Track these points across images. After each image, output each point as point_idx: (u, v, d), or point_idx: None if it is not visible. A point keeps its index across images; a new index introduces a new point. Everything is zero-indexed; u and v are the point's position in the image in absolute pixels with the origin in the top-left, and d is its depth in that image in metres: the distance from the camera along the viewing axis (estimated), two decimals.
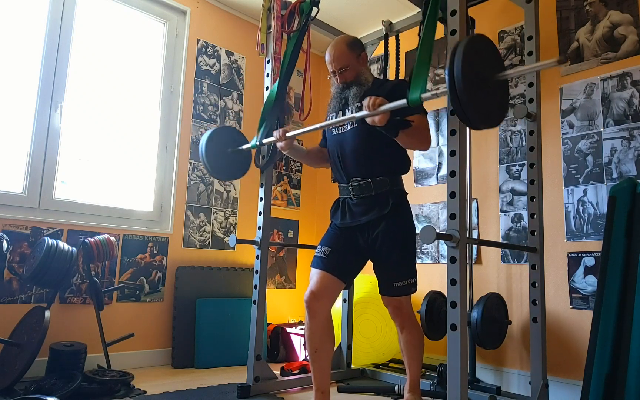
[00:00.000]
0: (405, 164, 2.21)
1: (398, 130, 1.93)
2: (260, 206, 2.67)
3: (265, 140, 2.52)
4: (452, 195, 1.83)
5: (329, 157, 2.34)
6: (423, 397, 2.24)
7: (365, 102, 1.91)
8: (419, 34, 2.20)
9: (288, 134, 2.32)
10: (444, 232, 1.80)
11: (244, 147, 2.67)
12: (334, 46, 2.21)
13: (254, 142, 2.59)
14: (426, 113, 2.08)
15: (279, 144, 2.36)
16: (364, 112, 1.91)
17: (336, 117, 2.23)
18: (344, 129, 2.19)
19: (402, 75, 3.65)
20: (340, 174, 2.20)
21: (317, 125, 2.21)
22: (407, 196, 2.22)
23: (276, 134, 2.35)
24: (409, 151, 2.23)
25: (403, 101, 1.82)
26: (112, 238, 2.84)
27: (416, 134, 1.99)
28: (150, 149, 3.40)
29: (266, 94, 2.75)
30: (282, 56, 2.67)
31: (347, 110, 2.19)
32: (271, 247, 3.90)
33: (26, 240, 2.74)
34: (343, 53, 2.17)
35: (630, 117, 2.55)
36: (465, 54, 1.61)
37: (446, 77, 1.63)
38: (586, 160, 2.69)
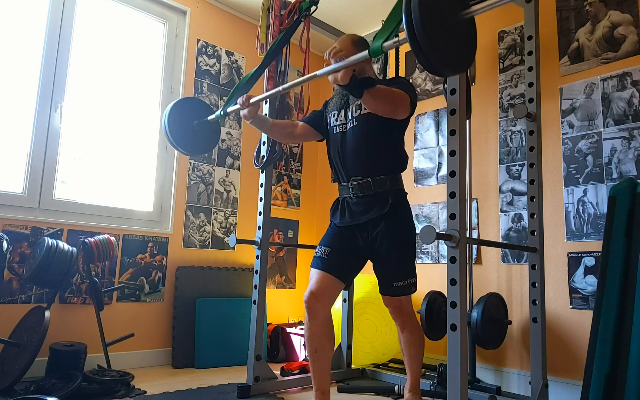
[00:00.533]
0: (403, 160, 2.21)
1: (362, 89, 1.78)
2: (260, 206, 2.67)
3: (229, 109, 2.40)
4: (452, 195, 1.83)
5: (297, 135, 2.36)
6: (423, 397, 2.24)
7: (325, 54, 1.79)
8: None
9: (252, 100, 2.20)
10: (444, 232, 1.80)
11: (210, 117, 2.54)
12: (339, 41, 2.21)
13: (219, 112, 2.48)
14: (409, 91, 2.02)
15: (242, 112, 2.24)
16: (325, 69, 1.75)
17: (337, 116, 2.23)
18: (345, 127, 2.19)
19: (401, 75, 3.66)
20: (340, 173, 2.20)
21: (280, 88, 2.10)
22: (407, 196, 2.22)
23: (239, 100, 2.23)
24: (407, 151, 2.22)
25: (365, 53, 1.65)
26: (112, 238, 2.84)
27: (382, 95, 1.88)
28: (150, 149, 3.40)
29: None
30: (272, 42, 2.64)
31: (348, 109, 2.19)
32: (271, 247, 3.90)
33: (26, 240, 2.74)
34: (346, 47, 2.12)
35: (630, 117, 2.55)
36: None
37: (403, 18, 1.44)
38: (586, 160, 2.69)
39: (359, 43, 2.19)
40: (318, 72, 1.81)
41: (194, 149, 2.65)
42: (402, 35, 1.50)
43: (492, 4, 1.53)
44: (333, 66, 1.70)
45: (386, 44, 1.58)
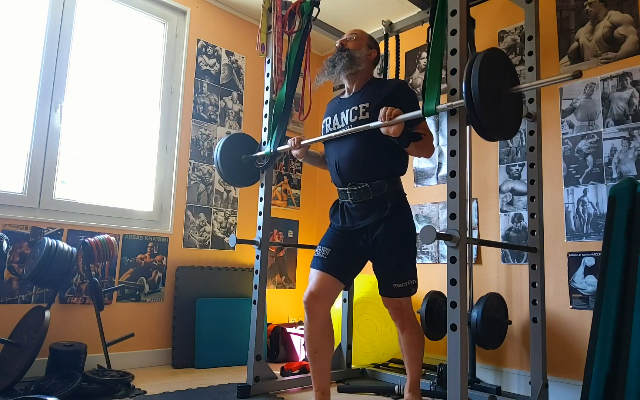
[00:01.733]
0: (403, 165, 2.21)
1: (410, 141, 2.00)
2: (260, 206, 2.67)
3: (280, 148, 2.56)
4: (452, 195, 1.83)
5: None
6: (423, 397, 2.24)
7: (381, 112, 1.96)
8: (427, 41, 2.21)
9: (302, 142, 2.35)
10: (444, 232, 1.80)
11: (258, 154, 2.69)
12: (355, 32, 2.32)
13: (267, 149, 2.61)
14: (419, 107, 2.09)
15: (294, 152, 2.40)
16: (380, 122, 1.97)
17: (332, 121, 2.24)
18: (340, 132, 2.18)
19: (402, 76, 3.66)
20: (337, 178, 2.20)
21: (332, 134, 2.20)
22: (407, 196, 2.21)
23: (290, 142, 2.39)
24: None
25: (418, 113, 1.91)
26: (112, 238, 2.84)
27: (425, 146, 2.07)
28: (150, 149, 3.40)
29: (266, 94, 2.76)
30: (287, 58, 2.68)
31: (343, 113, 2.19)
32: (271, 247, 3.90)
33: (26, 240, 2.74)
34: (359, 31, 2.31)
35: (630, 117, 2.55)
36: (482, 67, 1.66)
37: (463, 91, 1.70)
38: (586, 160, 2.69)
39: (372, 39, 2.33)
40: (371, 125, 2.02)
41: (241, 180, 2.79)
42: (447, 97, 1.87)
43: (538, 84, 1.95)
44: (388, 122, 1.94)
45: (439, 107, 1.85)
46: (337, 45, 2.26)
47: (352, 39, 2.25)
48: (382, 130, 1.97)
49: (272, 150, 2.58)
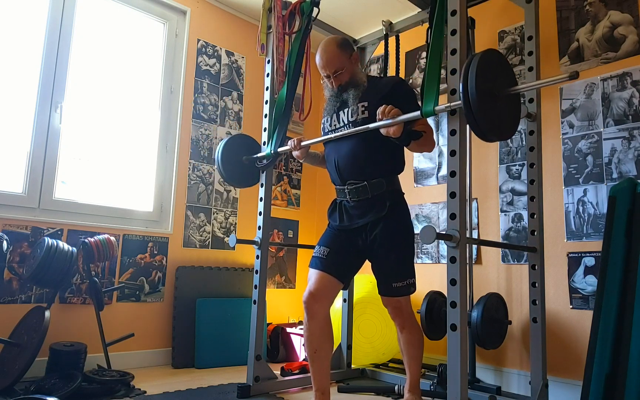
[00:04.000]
0: (401, 163, 2.21)
1: (410, 140, 2.00)
2: (260, 206, 2.67)
3: (280, 149, 2.56)
4: (452, 195, 1.83)
5: None
6: (423, 397, 2.24)
7: (380, 110, 1.95)
8: (427, 41, 2.21)
9: (303, 143, 2.35)
10: (444, 232, 1.80)
11: (259, 155, 2.69)
12: (324, 50, 2.15)
13: (268, 150, 2.61)
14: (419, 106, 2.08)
15: (295, 153, 2.39)
16: (379, 123, 1.96)
17: (331, 121, 2.23)
18: (340, 132, 2.18)
19: (401, 76, 3.66)
20: (336, 177, 2.20)
21: (332, 135, 2.19)
22: (406, 196, 2.21)
23: (291, 143, 2.38)
24: (405, 151, 2.22)
25: (417, 113, 1.91)
26: (112, 238, 2.84)
27: (426, 142, 2.08)
28: (150, 149, 3.40)
29: (266, 94, 2.76)
30: (287, 59, 2.68)
31: (342, 113, 2.18)
32: (271, 247, 3.90)
33: (26, 240, 2.74)
34: (335, 55, 2.13)
35: (630, 117, 2.55)
36: (479, 69, 1.66)
37: (460, 92, 1.71)
38: (586, 160, 2.69)
39: (345, 46, 2.19)
40: (370, 126, 2.01)
41: (242, 181, 2.79)
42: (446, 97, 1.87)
43: (535, 85, 1.98)
44: (387, 122, 1.93)
45: (438, 107, 1.85)
46: (332, 87, 2.18)
47: (340, 73, 2.14)
48: (382, 130, 1.97)
49: (272, 152, 2.58)
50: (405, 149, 2.17)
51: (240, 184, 2.82)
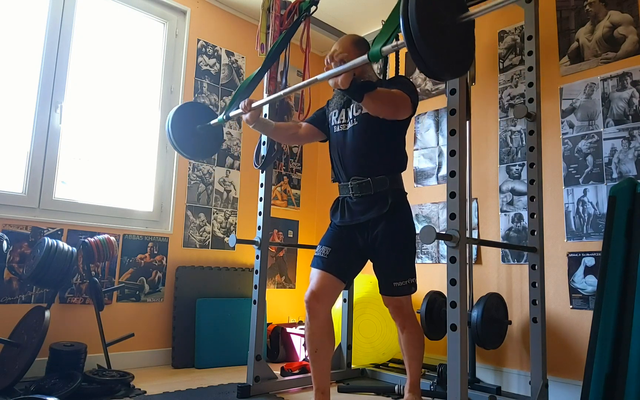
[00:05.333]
0: (404, 161, 2.21)
1: (362, 93, 1.79)
2: (260, 206, 2.67)
3: (232, 113, 2.40)
4: (452, 195, 1.83)
5: (301, 137, 2.36)
6: (423, 397, 2.24)
7: (326, 58, 1.83)
8: None
9: (253, 105, 2.21)
10: (444, 232, 1.80)
11: (212, 122, 2.55)
12: (339, 42, 2.21)
13: (221, 116, 2.47)
14: (410, 92, 2.01)
15: (244, 117, 2.25)
16: (325, 73, 1.77)
17: (338, 115, 2.23)
18: (346, 127, 2.18)
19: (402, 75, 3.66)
20: (340, 173, 2.20)
21: (281, 92, 2.11)
22: (407, 196, 2.21)
23: (241, 104, 2.24)
24: (407, 151, 2.22)
25: (364, 57, 1.65)
26: (112, 238, 2.84)
27: (383, 98, 1.89)
28: (150, 149, 3.40)
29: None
30: (273, 44, 2.64)
31: (349, 109, 2.19)
32: (271, 247, 3.90)
33: (26, 240, 2.74)
34: (346, 49, 2.12)
35: (630, 117, 2.55)
36: None
37: (400, 23, 1.43)
38: (586, 160, 2.69)
39: (360, 44, 2.19)
40: (318, 77, 1.82)
41: (197, 152, 2.64)
42: (402, 38, 1.48)
43: (488, 8, 1.52)
44: (333, 71, 1.71)
45: (385, 48, 1.58)
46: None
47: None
48: (330, 82, 1.77)
49: (224, 117, 2.43)
50: (406, 150, 2.18)
51: (195, 155, 2.65)
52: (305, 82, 1.95)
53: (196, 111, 2.62)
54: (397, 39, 1.58)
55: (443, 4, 1.50)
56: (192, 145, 2.57)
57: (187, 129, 2.53)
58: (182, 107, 2.58)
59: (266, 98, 2.24)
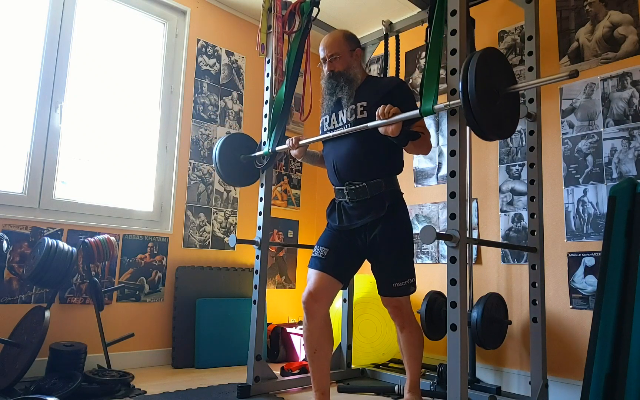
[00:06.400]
0: (400, 164, 2.21)
1: (408, 140, 2.00)
2: (260, 206, 2.67)
3: (278, 148, 2.55)
4: (452, 195, 1.83)
5: None
6: (423, 397, 2.24)
7: (379, 110, 1.94)
8: (426, 41, 2.20)
9: (301, 142, 2.34)
10: (444, 232, 1.80)
11: (257, 154, 2.69)
12: (330, 34, 2.25)
13: (266, 149, 2.61)
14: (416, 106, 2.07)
15: (293, 152, 2.38)
16: (378, 122, 1.96)
17: (330, 120, 2.23)
18: (338, 131, 2.18)
19: (401, 76, 3.66)
20: (335, 177, 2.20)
21: (330, 134, 2.19)
22: (406, 196, 2.21)
23: (289, 142, 2.37)
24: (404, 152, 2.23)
25: (416, 112, 1.90)
26: (112, 238, 2.84)
27: (423, 144, 2.08)
28: (150, 149, 3.40)
29: (266, 94, 2.76)
30: (286, 58, 2.68)
31: (341, 112, 2.18)
32: (271, 247, 3.90)
33: (26, 240, 2.74)
34: (336, 41, 2.19)
35: (630, 117, 2.55)
36: (478, 67, 1.66)
37: (459, 91, 1.70)
38: (586, 160, 2.69)
39: (350, 40, 2.23)
40: (369, 124, 2.02)
41: (240, 180, 2.79)
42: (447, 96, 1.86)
43: (535, 83, 1.97)
44: (385, 122, 1.93)
45: (437, 106, 1.84)
46: (325, 72, 2.20)
47: (336, 58, 2.16)
48: (381, 129, 1.96)
49: (270, 150, 2.58)
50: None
51: (239, 183, 2.81)
52: (358, 127, 2.09)
53: (239, 142, 2.78)
54: (450, 103, 1.84)
55: (496, 75, 1.74)
56: (235, 173, 2.74)
57: (231, 158, 2.72)
58: (228, 139, 2.74)
59: (312, 138, 2.34)
